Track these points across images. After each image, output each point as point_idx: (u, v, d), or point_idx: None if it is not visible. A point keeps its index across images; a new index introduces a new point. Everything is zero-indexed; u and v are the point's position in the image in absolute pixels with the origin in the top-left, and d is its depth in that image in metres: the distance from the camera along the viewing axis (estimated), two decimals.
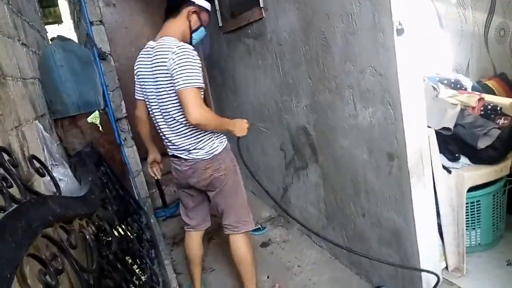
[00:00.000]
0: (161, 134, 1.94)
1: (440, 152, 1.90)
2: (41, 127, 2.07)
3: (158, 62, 1.74)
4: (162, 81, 1.76)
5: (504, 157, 1.96)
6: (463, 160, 1.96)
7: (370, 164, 1.93)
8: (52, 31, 4.11)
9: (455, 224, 1.94)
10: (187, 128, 1.84)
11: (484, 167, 1.94)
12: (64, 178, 1.97)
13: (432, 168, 1.83)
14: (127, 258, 1.90)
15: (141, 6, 4.35)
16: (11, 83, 1.68)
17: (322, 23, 1.97)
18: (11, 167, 1.00)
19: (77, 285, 1.47)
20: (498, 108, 2.06)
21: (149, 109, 1.93)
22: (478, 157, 1.93)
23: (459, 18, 2.49)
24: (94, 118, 3.27)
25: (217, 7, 3.28)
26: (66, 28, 5.93)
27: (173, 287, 2.17)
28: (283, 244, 2.86)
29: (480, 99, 2.06)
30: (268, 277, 2.45)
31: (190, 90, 1.65)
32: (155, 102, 1.85)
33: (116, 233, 1.94)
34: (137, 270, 1.95)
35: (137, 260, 2.06)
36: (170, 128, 1.86)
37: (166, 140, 1.93)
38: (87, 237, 1.23)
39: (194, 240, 2.20)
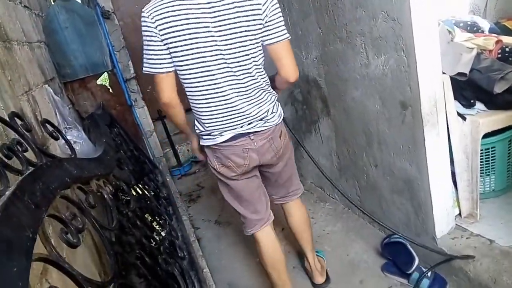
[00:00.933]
0: (219, 110, 1.47)
1: (455, 99, 1.85)
2: (51, 90, 2.08)
3: (244, 11, 1.37)
4: (250, 34, 1.40)
5: None
6: (479, 106, 1.92)
7: (383, 114, 1.91)
8: None
9: (469, 171, 1.93)
10: (265, 91, 1.54)
11: (500, 112, 1.89)
12: (79, 141, 2.00)
13: (446, 116, 1.80)
14: (146, 215, 1.96)
15: None
16: (17, 48, 1.67)
17: None
18: (24, 131, 1.01)
19: (99, 242, 1.53)
20: None
21: (198, 78, 1.41)
22: (494, 102, 1.88)
23: None
24: (104, 79, 3.25)
25: None
26: None
27: (192, 240, 2.25)
28: None
29: (498, 42, 1.98)
30: (283, 229, 2.52)
31: (289, 42, 1.49)
32: (223, 64, 1.40)
33: (133, 192, 2.00)
34: (156, 226, 2.02)
35: (156, 217, 2.13)
36: (246, 94, 1.47)
37: (229, 116, 1.48)
38: (105, 196, 1.26)
39: (273, 237, 1.79)
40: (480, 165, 1.95)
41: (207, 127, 1.51)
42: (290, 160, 1.78)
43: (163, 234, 1.97)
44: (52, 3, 3.25)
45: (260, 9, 1.40)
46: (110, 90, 3.28)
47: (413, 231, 2.01)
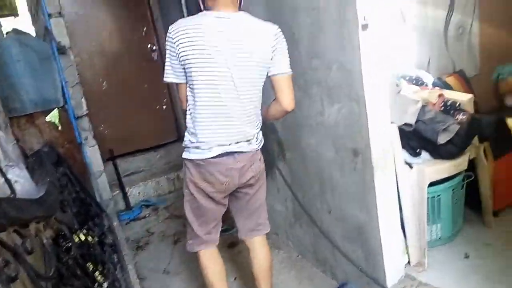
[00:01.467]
0: (217, 123, 1.59)
1: (402, 148, 1.95)
2: None
3: (257, 39, 1.54)
4: (261, 63, 1.57)
5: (462, 152, 2.04)
6: (424, 155, 2.02)
7: (336, 162, 1.95)
8: (8, 24, 3.89)
9: (417, 219, 2.00)
10: (255, 115, 1.67)
11: (444, 162, 2.00)
12: (20, 180, 1.87)
13: (395, 164, 1.87)
14: (88, 264, 1.83)
15: None
16: None
17: (290, 18, 1.97)
18: None
19: None
20: (457, 104, 2.13)
21: (208, 90, 1.55)
22: (438, 152, 2.00)
23: (421, 15, 2.56)
24: (54, 116, 3.12)
25: None
26: (22, 21, 5.64)
27: None
28: None
29: (440, 95, 2.13)
30: (235, 279, 2.44)
31: (291, 76, 1.65)
32: (230, 81, 1.54)
33: (76, 238, 1.86)
34: (98, 277, 1.88)
35: (99, 266, 1.99)
36: (243, 113, 1.61)
37: (224, 130, 1.60)
38: (44, 241, 1.17)
39: (217, 255, 1.89)
40: (427, 213, 2.02)
41: (199, 136, 1.59)
42: (263, 188, 1.86)
43: (105, 285, 1.83)
44: (5, 35, 3.14)
45: (272, 41, 1.56)
46: (59, 128, 3.14)
47: (364, 279, 2.01)
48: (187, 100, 1.63)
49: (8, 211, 1.01)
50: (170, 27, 1.54)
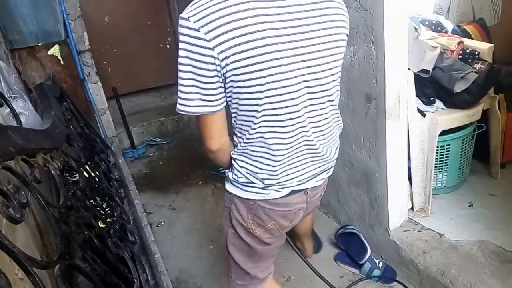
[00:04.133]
0: (298, 153, 1.08)
1: (416, 95, 1.89)
2: None
3: (334, 20, 1.01)
4: (337, 51, 1.05)
5: (477, 102, 1.98)
6: (438, 104, 1.97)
7: (347, 106, 1.91)
8: None
9: (424, 167, 1.99)
10: (337, 127, 1.20)
11: (457, 111, 1.95)
12: (25, 112, 1.84)
13: (407, 111, 1.83)
14: (96, 197, 1.84)
15: None
16: None
17: None
18: None
19: (42, 222, 1.41)
20: (476, 53, 2.05)
21: (275, 110, 0.98)
22: (452, 101, 1.94)
23: None
24: (55, 51, 3.03)
25: None
26: None
27: (143, 225, 2.16)
28: None
29: (460, 43, 2.04)
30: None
31: None
32: (303, 90, 1.00)
33: (83, 171, 1.86)
34: (106, 209, 1.91)
35: (106, 199, 2.01)
36: (325, 131, 1.12)
37: (308, 162, 1.12)
38: (52, 172, 1.15)
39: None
40: (435, 161, 2.01)
41: (275, 173, 1.07)
42: None
43: (113, 216, 1.86)
44: None
45: (345, 26, 1.06)
46: (61, 62, 3.05)
47: (367, 223, 2.05)
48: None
49: (16, 140, 0.98)
50: (186, 13, 0.88)
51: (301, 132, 1.05)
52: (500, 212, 1.98)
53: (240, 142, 1.08)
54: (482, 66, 1.95)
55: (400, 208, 1.94)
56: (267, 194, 1.11)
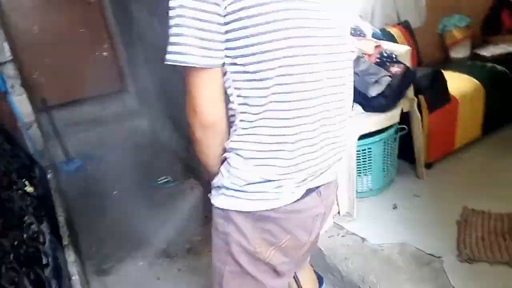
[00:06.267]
0: (313, 135, 0.88)
1: None
2: None
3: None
4: (346, 23, 0.95)
5: (394, 105, 2.00)
6: (356, 108, 1.97)
7: None
8: None
9: (347, 172, 1.98)
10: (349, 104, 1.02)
11: (376, 115, 1.96)
12: None
13: None
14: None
15: None
16: None
17: None
18: None
19: None
20: (394, 56, 2.07)
21: (293, 79, 0.82)
22: (370, 105, 1.95)
23: None
24: None
25: None
26: None
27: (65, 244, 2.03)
28: None
29: (377, 46, 2.05)
30: None
31: None
32: (321, 63, 0.86)
33: None
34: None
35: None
36: (341, 114, 0.94)
37: (328, 146, 0.92)
38: None
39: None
40: (358, 165, 2.02)
41: (292, 157, 0.86)
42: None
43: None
44: None
45: None
46: None
47: None
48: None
49: None
50: None
51: (322, 101, 0.87)
52: (422, 214, 2.00)
53: (243, 121, 0.86)
54: (399, 69, 1.97)
55: None
56: (279, 199, 0.89)
